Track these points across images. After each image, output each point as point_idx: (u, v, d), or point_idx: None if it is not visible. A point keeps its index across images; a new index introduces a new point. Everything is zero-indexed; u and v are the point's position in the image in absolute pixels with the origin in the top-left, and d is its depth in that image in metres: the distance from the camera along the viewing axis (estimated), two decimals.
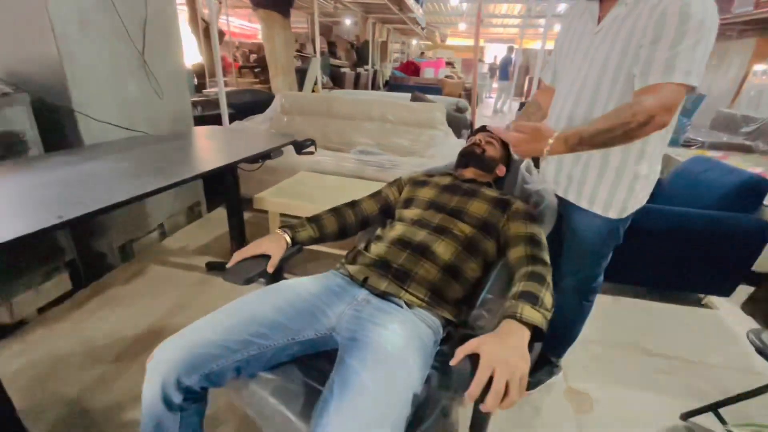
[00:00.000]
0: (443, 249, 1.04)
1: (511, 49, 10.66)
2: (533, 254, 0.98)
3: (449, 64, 11.66)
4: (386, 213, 1.29)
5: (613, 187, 1.10)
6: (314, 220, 1.18)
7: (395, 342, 0.81)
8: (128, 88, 2.11)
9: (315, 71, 5.13)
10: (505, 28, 14.46)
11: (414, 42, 17.66)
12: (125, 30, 2.03)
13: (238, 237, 2.20)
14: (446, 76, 9.78)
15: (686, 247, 1.92)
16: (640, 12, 0.92)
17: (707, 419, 1.37)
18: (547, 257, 0.99)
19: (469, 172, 1.29)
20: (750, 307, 2.18)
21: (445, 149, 2.91)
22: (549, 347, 1.54)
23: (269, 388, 0.85)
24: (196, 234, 2.62)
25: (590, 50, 1.05)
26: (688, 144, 4.12)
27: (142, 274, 2.14)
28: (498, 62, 11.77)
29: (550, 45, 5.28)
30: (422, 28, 12.04)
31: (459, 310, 1.02)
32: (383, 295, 0.97)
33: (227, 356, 0.80)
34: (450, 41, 18.10)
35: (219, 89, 2.98)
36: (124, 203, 1.10)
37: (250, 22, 11.74)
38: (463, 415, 0.85)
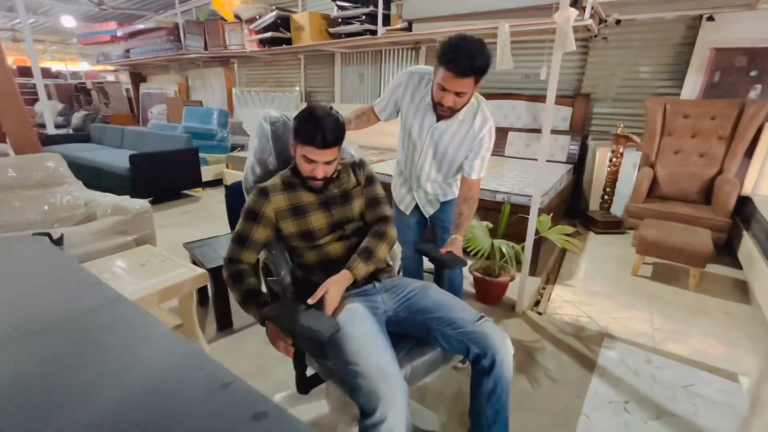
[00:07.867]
0: (354, 243, 1.34)
1: None
2: (378, 215, 1.36)
3: None
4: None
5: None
6: (256, 292, 1.23)
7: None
8: None
9: None
10: None
11: None
12: None
13: None
14: None
15: None
16: (462, 129, 1.54)
17: None
18: (388, 211, 1.36)
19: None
20: None
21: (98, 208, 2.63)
22: None
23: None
24: None
25: (434, 134, 1.58)
26: (234, 146, 5.70)
27: None
28: None
29: None
30: None
31: None
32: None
33: None
34: None
35: None
36: None
37: None
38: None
